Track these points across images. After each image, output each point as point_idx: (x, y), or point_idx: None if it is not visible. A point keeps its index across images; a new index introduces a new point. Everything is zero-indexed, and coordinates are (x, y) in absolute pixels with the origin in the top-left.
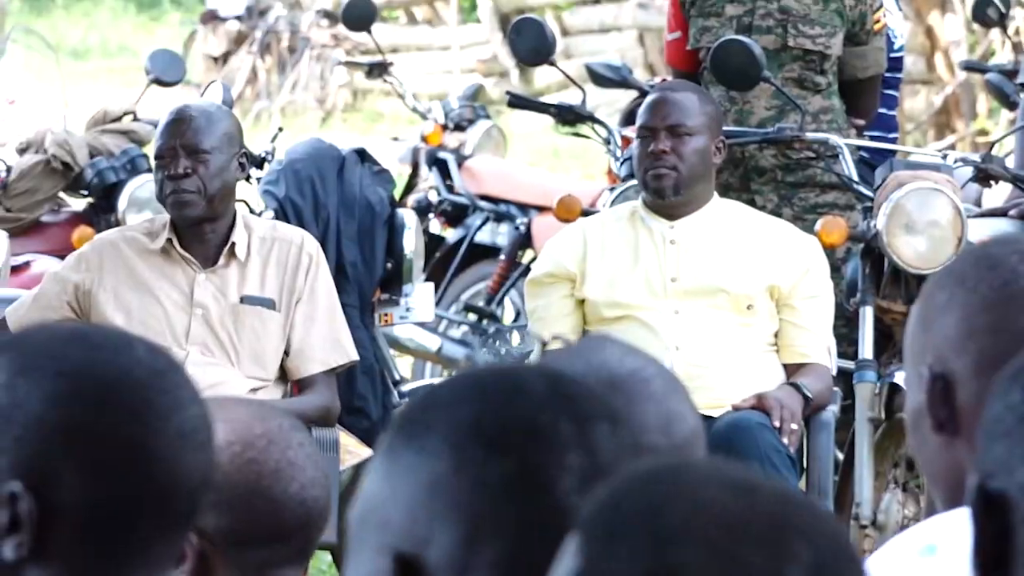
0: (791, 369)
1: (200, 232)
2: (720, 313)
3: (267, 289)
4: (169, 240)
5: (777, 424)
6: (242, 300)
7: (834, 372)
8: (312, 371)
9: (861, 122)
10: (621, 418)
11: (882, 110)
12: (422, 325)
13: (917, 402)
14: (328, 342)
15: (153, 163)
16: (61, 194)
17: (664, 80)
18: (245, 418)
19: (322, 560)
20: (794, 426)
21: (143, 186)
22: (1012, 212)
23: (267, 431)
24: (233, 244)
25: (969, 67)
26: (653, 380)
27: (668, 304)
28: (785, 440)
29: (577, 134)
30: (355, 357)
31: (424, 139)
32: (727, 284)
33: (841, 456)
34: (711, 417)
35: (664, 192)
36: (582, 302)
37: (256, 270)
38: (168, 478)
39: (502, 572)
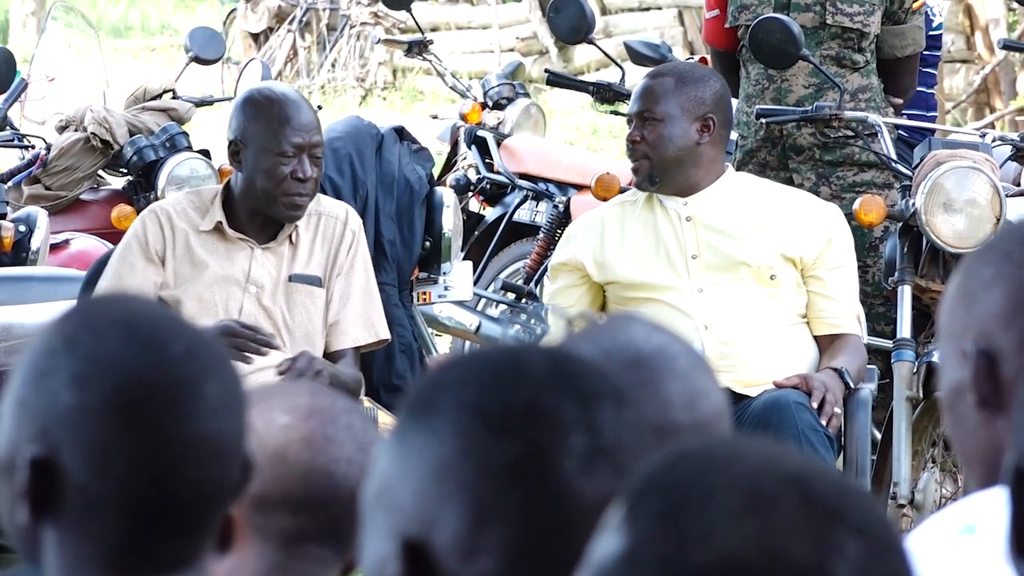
0: (823, 341)
1: (258, 216)
2: (744, 287)
3: (314, 265)
4: (218, 224)
5: (816, 404)
6: (291, 278)
7: (864, 340)
8: (343, 346)
9: (899, 101)
10: (626, 397)
11: (920, 88)
12: (460, 303)
13: (955, 379)
14: (361, 319)
15: (264, 153)
16: (101, 172)
17: (702, 59)
18: (299, 392)
19: None
20: (837, 410)
21: (182, 164)
22: None
23: (312, 404)
24: (296, 226)
25: (1008, 46)
26: (679, 358)
27: (692, 283)
28: (824, 421)
29: (616, 112)
30: (385, 336)
31: (463, 117)
32: (747, 256)
33: (879, 435)
34: (748, 396)
35: (641, 183)
36: (603, 288)
37: (305, 246)
38: (165, 488)
39: (508, 554)
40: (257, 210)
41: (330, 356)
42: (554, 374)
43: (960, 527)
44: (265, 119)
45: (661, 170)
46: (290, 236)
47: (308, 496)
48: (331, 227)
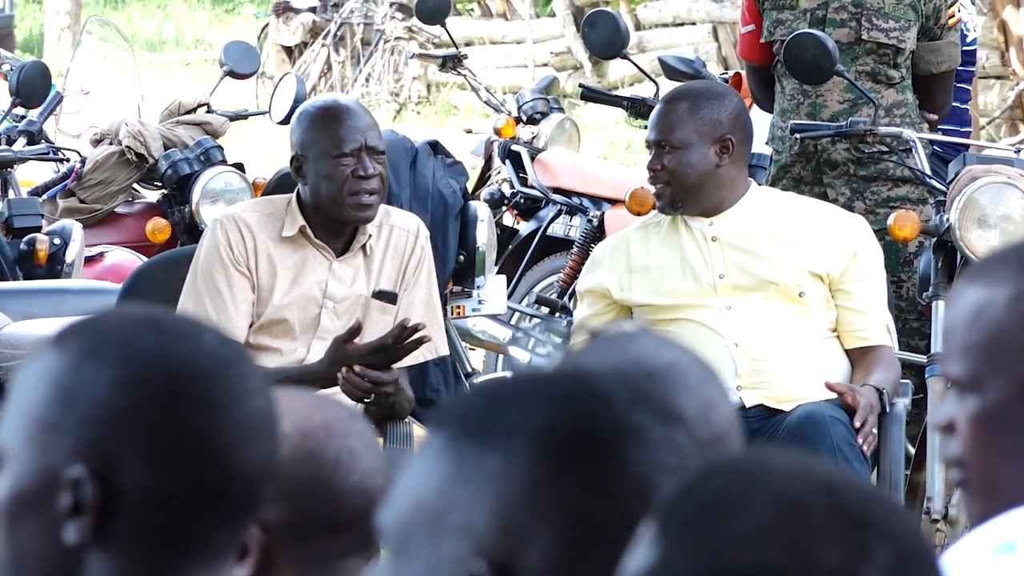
0: (855, 354)
1: (330, 225)
2: (773, 304)
3: (385, 278)
4: (302, 227)
5: (858, 423)
6: (375, 295)
7: (895, 349)
8: (402, 364)
9: (934, 117)
10: (689, 417)
11: (955, 104)
12: (494, 317)
13: (1005, 396)
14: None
15: (323, 159)
16: (135, 185)
17: (736, 74)
18: (304, 409)
19: None
20: (874, 430)
21: (216, 177)
22: None
23: (326, 421)
24: (369, 235)
25: None
26: (689, 371)
27: (720, 301)
28: (860, 440)
29: None
30: (444, 353)
31: (497, 132)
32: (774, 275)
33: (913, 450)
34: (781, 411)
35: (664, 208)
36: (631, 311)
37: (378, 259)
38: (229, 468)
39: (608, 574)
40: (328, 218)
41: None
42: (632, 395)
43: (998, 544)
44: (319, 126)
45: (683, 196)
46: (364, 247)
47: (348, 516)
48: (403, 240)
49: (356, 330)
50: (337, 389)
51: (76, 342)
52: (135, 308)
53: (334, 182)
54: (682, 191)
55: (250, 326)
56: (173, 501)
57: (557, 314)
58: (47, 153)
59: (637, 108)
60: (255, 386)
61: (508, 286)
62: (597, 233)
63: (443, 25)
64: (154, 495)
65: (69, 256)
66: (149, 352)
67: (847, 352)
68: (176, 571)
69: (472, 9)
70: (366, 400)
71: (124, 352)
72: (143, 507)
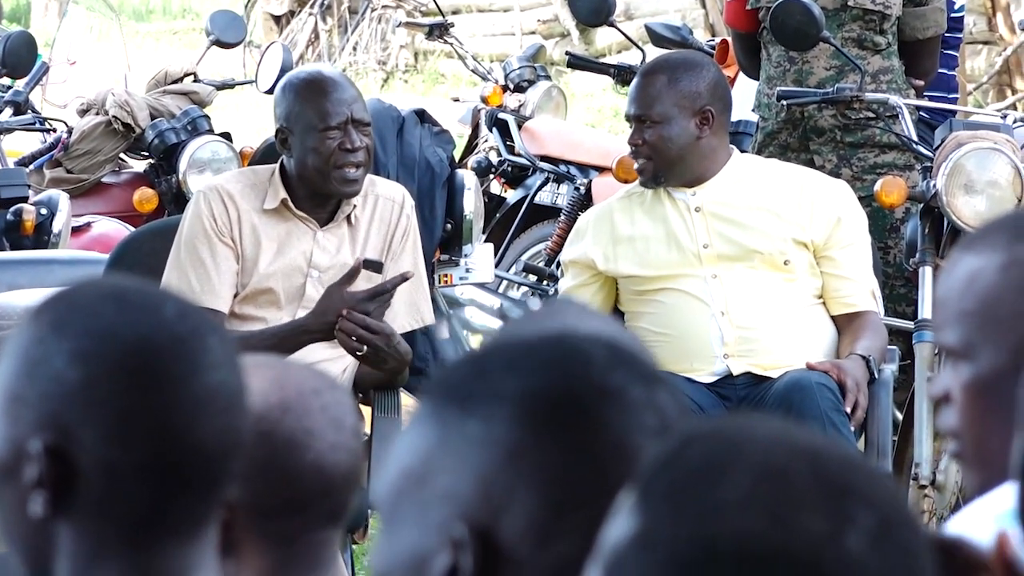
0: (840, 320)
1: (315, 198)
2: (758, 273)
3: (371, 248)
4: (284, 200)
5: (849, 408)
6: (365, 264)
7: (881, 314)
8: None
9: (920, 83)
10: (670, 380)
11: (941, 70)
12: (481, 286)
13: (998, 364)
14: (407, 305)
15: (309, 132)
16: (122, 155)
17: (724, 41)
18: (263, 387)
19: None
20: (862, 400)
21: (203, 147)
22: None
23: (283, 399)
24: (354, 205)
25: None
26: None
27: (705, 271)
28: (848, 409)
29: None
30: (430, 322)
31: (484, 100)
32: (759, 244)
33: (900, 416)
34: (769, 378)
35: (647, 183)
36: (616, 281)
37: (363, 229)
38: (187, 442)
39: (588, 536)
40: (314, 191)
41: None
42: (614, 358)
43: (1000, 513)
44: (304, 99)
45: (665, 169)
46: (348, 217)
47: (305, 495)
48: (388, 210)
49: (356, 271)
50: (324, 352)
51: (47, 314)
52: (106, 280)
53: (320, 155)
54: (664, 165)
55: (235, 296)
56: (132, 475)
57: (545, 282)
58: (33, 123)
59: (624, 76)
60: (216, 359)
61: (496, 254)
62: (584, 201)
63: None
64: (111, 469)
65: (56, 226)
66: (106, 325)
67: (833, 319)
68: (146, 545)
69: None
70: (359, 353)
71: (83, 326)
72: (102, 481)
